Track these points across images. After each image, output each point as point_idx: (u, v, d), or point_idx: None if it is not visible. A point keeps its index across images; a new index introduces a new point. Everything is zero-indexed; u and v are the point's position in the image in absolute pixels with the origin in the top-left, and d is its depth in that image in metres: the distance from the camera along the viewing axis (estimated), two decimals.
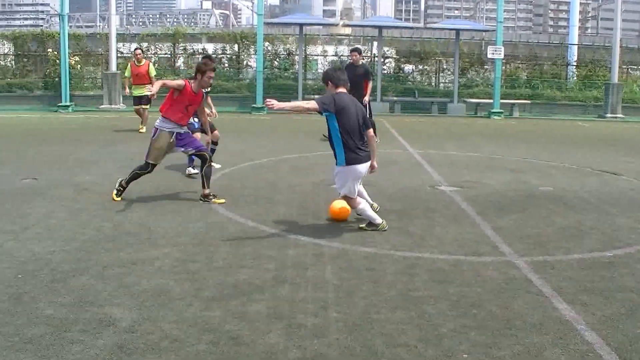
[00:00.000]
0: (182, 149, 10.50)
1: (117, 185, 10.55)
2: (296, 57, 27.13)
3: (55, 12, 28.67)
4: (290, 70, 27.67)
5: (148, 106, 18.92)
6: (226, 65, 27.20)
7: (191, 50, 27.77)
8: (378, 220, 9.00)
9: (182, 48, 27.75)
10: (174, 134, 10.24)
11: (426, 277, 7.26)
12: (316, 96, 11.87)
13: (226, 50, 27.38)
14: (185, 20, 73.96)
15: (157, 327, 5.85)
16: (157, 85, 9.86)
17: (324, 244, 8.33)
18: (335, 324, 5.93)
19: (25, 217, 9.70)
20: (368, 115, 17.03)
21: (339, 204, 9.33)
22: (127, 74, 19.57)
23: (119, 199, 10.42)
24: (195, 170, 12.07)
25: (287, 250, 8.09)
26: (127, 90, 19.60)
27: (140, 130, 18.60)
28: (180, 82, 10.40)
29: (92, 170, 12.97)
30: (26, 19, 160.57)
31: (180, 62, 28.01)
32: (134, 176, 10.51)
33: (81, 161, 14.17)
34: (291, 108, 9.41)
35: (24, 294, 6.70)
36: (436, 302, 6.50)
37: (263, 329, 5.80)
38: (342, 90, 8.96)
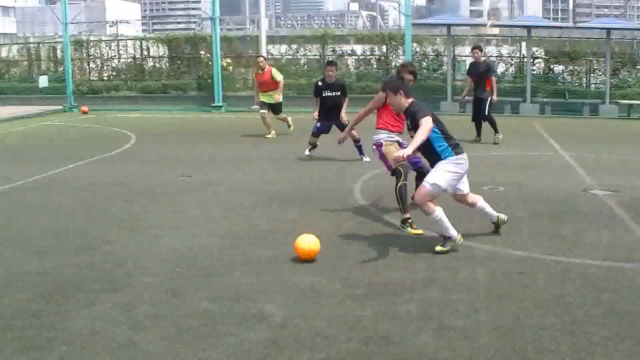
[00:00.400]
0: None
1: (400, 224, 9.09)
2: (444, 58, 26.87)
3: (207, 16, 29.54)
4: (439, 72, 27.43)
5: (269, 112, 18.35)
6: (374, 66, 27.25)
7: (340, 52, 27.98)
8: (453, 232, 8.01)
9: (330, 49, 28.02)
10: (397, 142, 9.60)
11: (578, 282, 7.02)
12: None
13: (374, 51, 27.40)
14: (333, 21, 74.78)
15: (308, 323, 5.96)
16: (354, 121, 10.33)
17: (475, 246, 8.21)
18: (486, 327, 5.85)
19: (181, 212, 10.12)
20: (486, 113, 16.80)
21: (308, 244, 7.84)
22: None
23: (418, 231, 8.88)
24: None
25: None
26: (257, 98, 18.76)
27: (267, 136, 18.20)
28: (379, 96, 9.66)
29: (244, 169, 13.32)
30: (179, 22, 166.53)
31: None
32: (400, 194, 9.11)
33: (234, 160, 14.58)
34: (416, 146, 7.91)
35: (180, 287, 6.99)
36: (589, 309, 6.28)
37: (413, 329, 5.79)
38: (412, 99, 8.29)
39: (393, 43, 26.56)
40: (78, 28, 39.67)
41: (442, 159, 8.04)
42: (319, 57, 28.19)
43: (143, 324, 6.07)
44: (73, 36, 32.56)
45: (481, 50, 17.38)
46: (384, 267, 7.48)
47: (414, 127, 8.05)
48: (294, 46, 28.33)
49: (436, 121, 7.98)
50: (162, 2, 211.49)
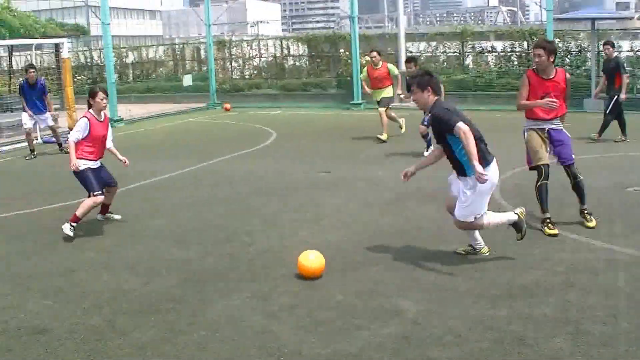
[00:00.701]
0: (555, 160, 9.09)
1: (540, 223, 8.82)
2: (588, 54, 26.00)
3: (346, 15, 29.75)
4: (582, 68, 26.56)
5: (386, 109, 17.65)
6: (515, 63, 26.68)
7: (479, 49, 27.56)
8: (511, 216, 7.65)
9: (470, 46, 27.66)
10: (544, 129, 9.01)
11: None
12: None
13: (515, 47, 26.83)
14: (472, 18, 73.65)
15: (442, 321, 5.98)
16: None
17: (617, 250, 7.93)
18: (626, 334, 5.65)
19: (320, 207, 10.30)
20: (607, 111, 16.00)
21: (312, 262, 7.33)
22: (362, 76, 18.91)
23: (554, 231, 8.62)
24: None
25: (578, 253, 7.82)
26: (367, 89, 18.26)
27: (380, 136, 17.26)
28: (525, 78, 9.02)
29: (383, 166, 13.38)
30: (318, 21, 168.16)
31: (468, 60, 27.87)
32: (540, 193, 8.95)
33: (373, 157, 14.66)
34: (476, 157, 7.16)
35: (317, 280, 7.14)
36: None
37: (548, 332, 5.70)
38: (438, 97, 7.57)
39: (534, 39, 25.91)
40: (220, 29, 40.79)
41: (467, 175, 7.47)
42: (457, 54, 27.89)
43: (279, 314, 6.27)
44: (216, 37, 33.56)
45: (612, 47, 16.67)
46: (522, 267, 7.37)
47: (438, 131, 7.49)
48: (433, 43, 28.13)
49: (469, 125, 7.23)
50: (302, 2, 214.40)
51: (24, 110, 16.54)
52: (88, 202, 9.18)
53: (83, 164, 9.25)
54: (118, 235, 9.18)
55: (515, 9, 71.89)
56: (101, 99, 9.39)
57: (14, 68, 30.82)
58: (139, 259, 8.05)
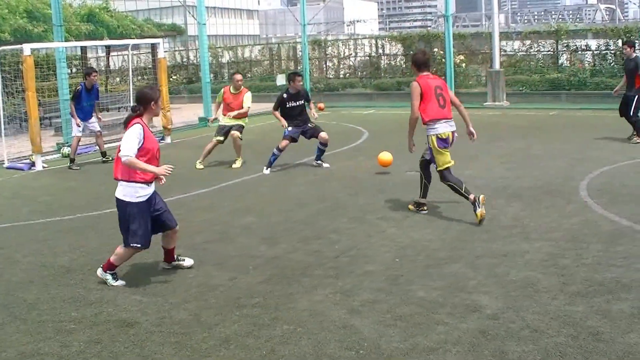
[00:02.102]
0: None
1: None
2: None
3: (441, 13, 29.60)
4: None
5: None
6: (611, 61, 26.05)
7: (574, 47, 27.03)
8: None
9: (565, 45, 27.16)
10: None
11: None
12: None
13: (609, 45, 26.18)
14: (570, 16, 71.88)
15: (519, 316, 6.02)
16: None
17: None
18: None
19: (407, 206, 10.36)
20: (631, 113, 15.35)
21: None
22: (217, 99, 16.41)
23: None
24: None
25: None
26: (215, 115, 15.97)
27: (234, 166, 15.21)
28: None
29: (472, 165, 13.32)
30: (415, 20, 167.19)
31: (563, 59, 27.38)
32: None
33: (462, 155, 14.53)
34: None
35: (399, 276, 7.27)
36: None
37: (624, 328, 5.68)
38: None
39: (630, 37, 25.25)
40: (317, 28, 41.12)
41: None
42: (552, 52, 27.41)
43: (360, 309, 6.40)
44: (311, 36, 33.87)
45: (631, 47, 16.09)
46: (602, 264, 7.33)
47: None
48: (527, 42, 27.73)
49: None
50: (399, 1, 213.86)
51: (72, 117, 15.91)
52: (126, 253, 7.47)
53: (137, 196, 7.26)
54: (208, 232, 9.46)
55: (613, 6, 69.82)
56: (159, 106, 7.53)
57: (111, 68, 31.79)
58: (227, 256, 8.30)
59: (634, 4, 26.45)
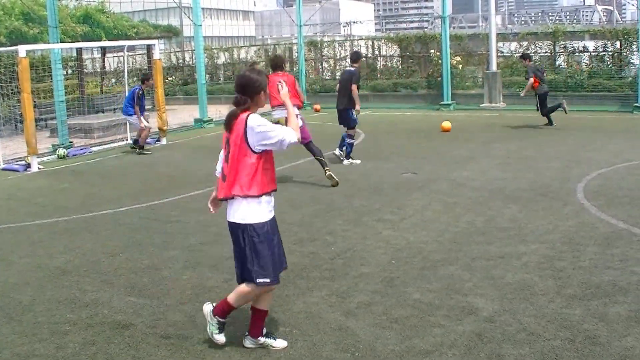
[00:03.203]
0: None
1: None
2: None
3: (438, 15, 29.61)
4: None
5: None
6: (608, 63, 26.10)
7: (571, 49, 27.08)
8: None
9: (562, 46, 27.19)
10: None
11: None
12: None
13: (607, 47, 26.22)
14: (568, 17, 71.95)
15: (516, 319, 6.01)
16: None
17: None
18: None
19: (403, 208, 10.38)
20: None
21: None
22: None
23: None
24: None
25: None
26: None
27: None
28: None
29: (468, 167, 13.34)
30: (411, 21, 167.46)
31: (560, 61, 27.41)
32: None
33: (459, 157, 14.62)
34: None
35: (395, 278, 7.26)
36: None
37: (621, 331, 5.68)
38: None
39: (628, 38, 25.29)
40: (313, 29, 41.09)
41: None
42: (549, 54, 27.44)
43: (356, 311, 6.39)
44: (308, 37, 33.85)
45: (526, 59, 18.39)
46: (599, 267, 7.33)
47: None
48: (525, 43, 27.75)
49: None
50: (395, 2, 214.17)
51: (141, 115, 17.57)
52: (252, 291, 5.63)
53: (262, 215, 5.57)
54: (203, 234, 9.44)
55: (611, 7, 69.94)
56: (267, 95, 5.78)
57: (106, 69, 31.78)
58: (222, 258, 8.26)
59: (632, 5, 26.47)
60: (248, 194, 5.39)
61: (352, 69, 14.77)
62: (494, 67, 26.02)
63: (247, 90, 5.54)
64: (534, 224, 9.12)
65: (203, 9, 24.86)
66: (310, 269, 7.72)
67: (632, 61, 25.55)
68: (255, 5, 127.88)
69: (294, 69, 32.76)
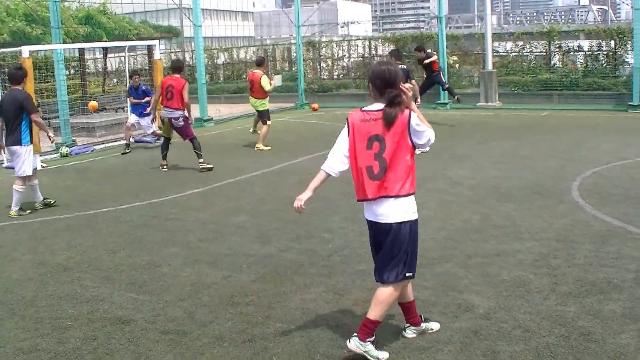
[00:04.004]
0: None
1: None
2: None
3: (434, 15, 29.70)
4: None
5: None
6: (603, 62, 26.20)
7: (566, 48, 27.19)
8: None
9: (557, 46, 27.29)
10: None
11: None
12: None
13: (602, 46, 26.34)
14: (562, 17, 72.00)
15: (511, 316, 6.08)
16: None
17: None
18: None
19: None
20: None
21: None
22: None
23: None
24: None
25: None
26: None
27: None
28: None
29: (464, 165, 13.41)
30: (408, 22, 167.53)
31: (555, 60, 27.52)
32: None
33: (456, 156, 14.69)
34: None
35: None
36: None
37: (616, 328, 5.74)
38: None
39: (623, 38, 25.40)
40: (311, 30, 41.17)
41: None
42: (544, 53, 27.55)
43: (352, 308, 6.47)
44: (306, 37, 33.95)
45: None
46: (593, 264, 7.40)
47: None
48: (520, 43, 27.84)
49: None
50: (392, 2, 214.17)
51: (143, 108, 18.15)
52: (394, 291, 5.47)
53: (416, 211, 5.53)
54: (202, 231, 9.52)
55: (606, 7, 69.98)
56: None
57: (108, 69, 31.89)
58: (221, 254, 8.35)
59: (627, 4, 26.55)
60: (409, 192, 5.37)
61: (404, 66, 16.29)
62: (489, 67, 26.10)
63: (397, 83, 5.32)
64: (529, 222, 9.20)
65: (203, 10, 24.97)
66: (307, 265, 7.79)
67: (626, 60, 25.65)
68: (254, 6, 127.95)
69: (293, 69, 32.89)
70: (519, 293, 6.65)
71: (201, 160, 14.41)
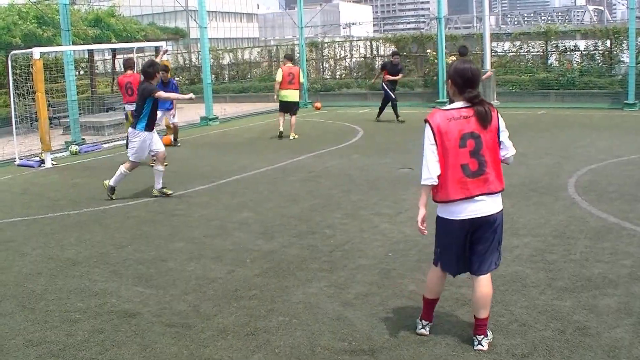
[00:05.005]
0: None
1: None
2: None
3: (434, 16, 29.81)
4: None
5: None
6: (599, 61, 26.33)
7: (563, 48, 27.31)
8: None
9: (554, 45, 27.40)
10: None
11: None
12: None
13: (598, 46, 26.47)
14: (559, 17, 71.81)
15: (508, 310, 6.20)
16: None
17: None
18: None
19: (400, 202, 10.60)
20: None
21: None
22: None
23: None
24: None
25: None
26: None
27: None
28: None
29: None
30: (409, 22, 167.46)
31: (552, 59, 27.64)
32: None
33: None
34: None
35: (392, 270, 7.47)
36: None
37: (610, 322, 5.83)
38: None
39: (618, 37, 25.51)
40: (314, 31, 41.31)
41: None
42: (542, 53, 27.68)
43: (353, 302, 6.59)
44: (309, 38, 34.07)
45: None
46: (589, 260, 7.50)
47: None
48: (517, 43, 27.97)
49: None
50: (393, 4, 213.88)
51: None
52: (490, 281, 5.73)
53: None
54: (207, 227, 9.66)
55: (602, 7, 69.81)
56: None
57: (117, 70, 32.11)
58: (226, 250, 8.50)
59: (622, 5, 26.65)
60: (503, 188, 5.39)
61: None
62: (488, 66, 26.17)
63: (477, 84, 5.36)
64: (526, 218, 9.31)
65: (208, 12, 25.14)
66: (309, 261, 7.93)
67: (622, 59, 25.77)
68: (258, 7, 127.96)
69: None
70: (516, 288, 6.76)
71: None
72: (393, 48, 31.09)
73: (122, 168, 11.69)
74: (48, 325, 6.32)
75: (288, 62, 18.91)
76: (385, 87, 22.11)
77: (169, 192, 11.81)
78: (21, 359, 5.66)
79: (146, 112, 11.42)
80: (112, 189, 11.77)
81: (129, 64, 16.33)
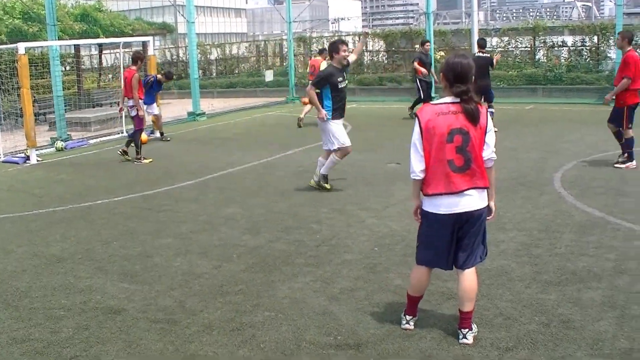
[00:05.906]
0: None
1: None
2: None
3: (423, 11, 29.87)
4: None
5: None
6: (586, 57, 26.46)
7: (551, 43, 27.43)
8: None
9: (542, 41, 27.53)
10: None
11: None
12: None
13: (585, 42, 26.61)
14: (548, 13, 72.03)
15: (493, 304, 6.23)
16: None
17: None
18: None
19: (387, 197, 10.63)
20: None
21: None
22: None
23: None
24: None
25: (631, 242, 7.93)
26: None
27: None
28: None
29: None
30: (397, 18, 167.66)
31: (540, 55, 27.75)
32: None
33: None
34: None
35: (378, 265, 7.49)
36: None
37: (595, 315, 5.87)
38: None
39: (605, 33, 25.65)
40: (302, 26, 41.31)
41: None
42: (530, 48, 27.78)
43: (339, 297, 6.60)
44: (297, 33, 34.08)
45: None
46: (574, 254, 7.55)
47: None
48: (506, 39, 28.07)
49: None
50: None
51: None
52: (476, 275, 5.79)
53: None
54: (194, 222, 9.65)
55: (590, 4, 70.05)
56: None
57: (103, 65, 32.05)
58: (212, 245, 8.49)
59: (610, 1, 26.84)
60: (488, 185, 5.40)
61: (487, 55, 17.49)
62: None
63: (468, 79, 5.27)
64: (512, 212, 9.35)
65: (196, 6, 25.18)
66: (295, 255, 7.94)
67: (609, 55, 25.92)
68: (247, 2, 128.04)
69: (284, 64, 32.98)
70: (501, 282, 6.79)
71: (125, 149, 15.53)
72: (382, 43, 31.20)
73: (334, 157, 11.13)
74: (32, 322, 6.30)
75: (317, 56, 20.62)
76: (419, 82, 21.13)
77: (328, 187, 11.35)
78: (5, 356, 5.64)
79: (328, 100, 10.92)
80: (324, 178, 11.34)
81: (138, 57, 16.36)
